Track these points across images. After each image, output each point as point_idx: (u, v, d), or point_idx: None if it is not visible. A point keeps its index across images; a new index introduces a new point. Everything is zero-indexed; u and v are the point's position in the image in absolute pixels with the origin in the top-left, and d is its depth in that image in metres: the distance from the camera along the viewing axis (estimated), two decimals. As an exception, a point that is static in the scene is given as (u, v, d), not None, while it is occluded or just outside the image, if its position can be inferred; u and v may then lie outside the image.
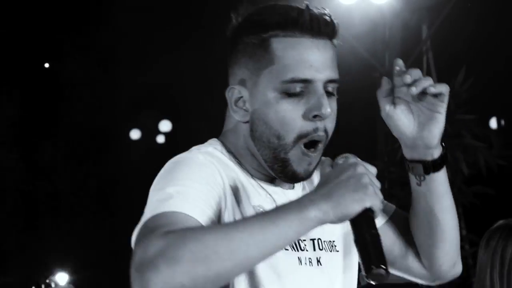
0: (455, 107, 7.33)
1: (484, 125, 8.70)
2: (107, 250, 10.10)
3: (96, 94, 9.98)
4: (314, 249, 1.88)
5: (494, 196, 7.42)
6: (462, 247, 7.30)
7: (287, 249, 1.83)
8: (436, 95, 1.87)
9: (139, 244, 1.60)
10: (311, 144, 1.82)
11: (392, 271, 2.06)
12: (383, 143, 7.57)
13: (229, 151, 1.88)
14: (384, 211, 2.04)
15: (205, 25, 8.10)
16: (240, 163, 1.87)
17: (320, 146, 1.83)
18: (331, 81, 1.83)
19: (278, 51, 1.81)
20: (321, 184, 1.66)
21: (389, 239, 2.03)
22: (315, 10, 1.83)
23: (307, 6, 1.82)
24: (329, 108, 1.80)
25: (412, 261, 2.04)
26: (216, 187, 1.77)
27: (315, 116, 1.80)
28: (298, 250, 1.86)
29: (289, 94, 1.81)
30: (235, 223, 1.71)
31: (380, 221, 2.02)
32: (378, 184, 1.66)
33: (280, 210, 1.64)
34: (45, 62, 10.43)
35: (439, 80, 8.33)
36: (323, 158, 1.87)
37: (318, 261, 1.88)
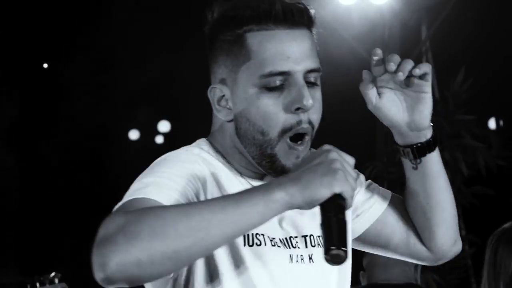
0: (455, 107, 7.32)
1: (483, 125, 8.70)
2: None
3: (96, 94, 9.97)
4: (306, 246, 1.88)
5: (493, 196, 7.41)
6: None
7: (279, 246, 1.83)
8: (421, 76, 1.84)
9: (102, 223, 1.58)
10: (297, 137, 1.81)
11: (395, 256, 2.07)
12: (382, 144, 7.57)
13: (217, 150, 1.87)
14: (383, 197, 2.05)
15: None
16: (228, 162, 1.86)
17: (307, 138, 1.82)
18: (311, 71, 1.81)
19: (254, 45, 1.79)
20: (293, 170, 1.65)
21: (390, 225, 2.03)
22: (288, 0, 1.80)
23: None
24: (311, 99, 1.78)
25: (414, 245, 2.04)
26: (195, 182, 1.76)
27: (297, 109, 1.78)
28: (289, 248, 1.85)
29: (269, 89, 1.78)
30: (199, 202, 1.68)
31: (380, 209, 2.03)
32: (352, 172, 1.62)
33: (247, 191, 1.62)
34: (45, 62, 10.42)
35: (438, 80, 8.32)
36: (312, 150, 1.87)
37: (310, 258, 1.87)
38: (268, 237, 1.83)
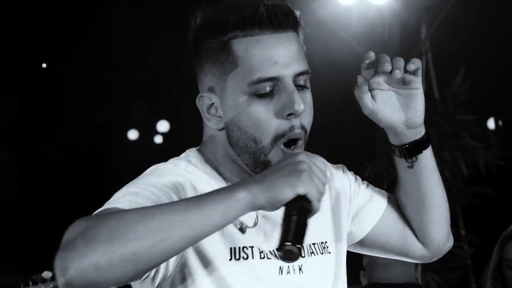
0: (454, 107, 7.32)
1: (483, 125, 8.70)
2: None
3: (96, 94, 9.97)
4: None
5: (493, 196, 7.41)
6: (461, 248, 7.30)
7: (269, 258, 1.80)
8: (413, 72, 1.84)
9: (67, 229, 1.57)
10: (291, 143, 1.78)
11: (391, 256, 2.07)
12: (382, 144, 7.56)
13: (207, 160, 1.84)
14: (381, 200, 2.04)
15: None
16: (218, 172, 1.83)
17: (300, 143, 1.79)
18: (300, 73, 1.77)
19: (240, 52, 1.75)
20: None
21: (388, 227, 2.03)
22: (272, 3, 1.76)
23: (262, 1, 1.75)
24: (302, 104, 1.75)
25: (411, 243, 2.04)
26: (173, 195, 1.72)
27: (289, 114, 1.75)
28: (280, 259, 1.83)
29: (259, 95, 1.75)
30: (162, 204, 1.63)
31: (379, 212, 2.03)
32: (321, 176, 1.59)
33: (210, 193, 1.59)
34: (45, 62, 10.42)
35: (438, 80, 8.30)
36: (311, 154, 1.85)
37: (300, 269, 1.83)
38: (258, 249, 1.80)
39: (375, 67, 1.83)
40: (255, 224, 1.80)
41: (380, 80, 1.84)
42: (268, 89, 1.75)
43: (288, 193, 1.56)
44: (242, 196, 1.56)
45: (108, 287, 1.56)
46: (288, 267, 1.82)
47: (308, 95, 1.80)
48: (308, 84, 1.81)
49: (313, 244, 1.88)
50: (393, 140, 1.94)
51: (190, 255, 1.74)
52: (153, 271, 1.69)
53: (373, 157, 7.53)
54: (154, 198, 1.67)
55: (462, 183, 7.39)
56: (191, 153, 1.87)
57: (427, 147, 1.94)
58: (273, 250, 1.80)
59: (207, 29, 1.78)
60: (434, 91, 7.66)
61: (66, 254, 1.52)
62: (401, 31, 7.68)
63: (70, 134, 10.10)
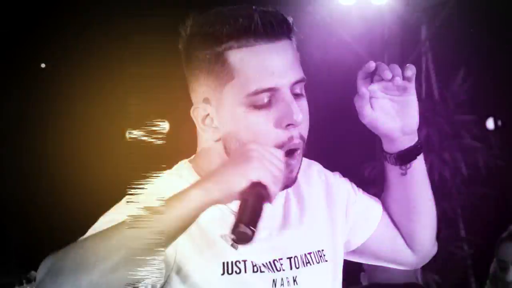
0: (455, 107, 7.32)
1: (483, 125, 8.70)
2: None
3: (95, 94, 9.97)
4: (291, 268, 1.83)
5: (493, 196, 7.41)
6: (461, 248, 7.29)
7: (263, 271, 1.78)
8: (407, 78, 1.83)
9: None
10: (289, 152, 1.76)
11: (381, 263, 2.06)
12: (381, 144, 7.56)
13: (199, 173, 1.82)
14: (375, 207, 2.04)
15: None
16: None
17: (299, 152, 1.78)
18: (296, 82, 1.76)
19: (236, 63, 1.72)
20: None
21: (381, 234, 2.03)
22: (265, 12, 1.73)
23: (256, 10, 1.73)
24: (301, 113, 1.73)
25: (401, 250, 2.04)
26: None
27: (288, 125, 1.74)
28: (274, 271, 1.80)
29: (257, 106, 1.73)
30: (119, 223, 1.60)
31: (375, 221, 2.02)
32: (274, 160, 1.59)
33: (168, 198, 1.57)
34: (45, 62, 10.42)
35: (438, 80, 8.29)
36: (308, 160, 1.85)
37: (295, 280, 1.82)
38: (251, 262, 1.79)
39: (371, 76, 1.83)
40: None
41: (375, 88, 1.84)
42: (265, 100, 1.74)
43: (241, 182, 1.56)
44: (195, 193, 1.56)
45: None
46: (282, 279, 1.80)
47: (304, 103, 1.79)
48: (303, 92, 1.80)
49: (309, 253, 1.87)
50: (388, 148, 1.94)
51: (181, 270, 1.73)
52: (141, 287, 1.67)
53: (373, 157, 7.52)
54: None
55: (462, 183, 7.39)
56: (182, 168, 1.86)
57: (420, 153, 1.94)
58: (267, 263, 1.80)
59: (199, 39, 1.75)
60: (434, 91, 7.66)
61: None
62: (401, 31, 7.68)
63: (69, 134, 10.09)
